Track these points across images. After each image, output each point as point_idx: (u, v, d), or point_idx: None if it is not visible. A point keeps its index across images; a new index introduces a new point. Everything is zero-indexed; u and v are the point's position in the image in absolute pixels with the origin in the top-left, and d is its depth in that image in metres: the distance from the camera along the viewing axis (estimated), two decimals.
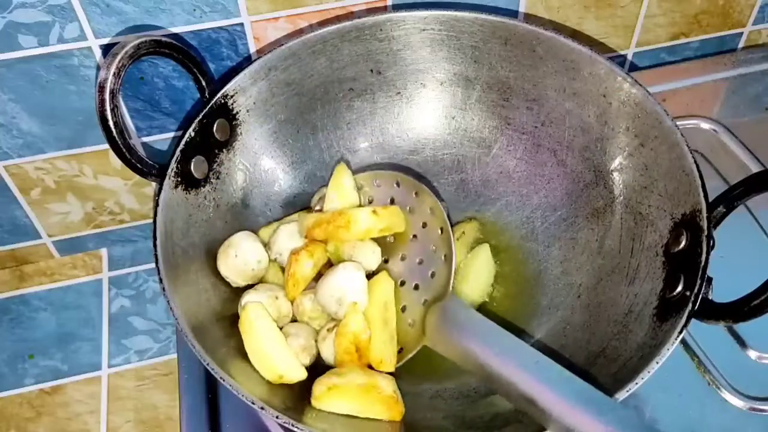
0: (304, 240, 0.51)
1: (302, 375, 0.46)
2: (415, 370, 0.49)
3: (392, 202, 0.53)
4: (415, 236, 0.51)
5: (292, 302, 0.49)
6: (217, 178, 0.52)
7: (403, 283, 0.50)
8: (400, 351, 0.48)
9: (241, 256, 0.50)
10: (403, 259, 0.51)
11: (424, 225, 0.51)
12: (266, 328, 0.46)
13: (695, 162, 0.46)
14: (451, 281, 0.48)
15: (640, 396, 0.50)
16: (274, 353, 0.45)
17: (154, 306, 0.63)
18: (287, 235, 0.51)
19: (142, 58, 0.49)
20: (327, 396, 0.44)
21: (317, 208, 0.54)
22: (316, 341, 0.48)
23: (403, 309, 0.49)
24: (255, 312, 0.46)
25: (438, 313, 0.47)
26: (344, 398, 0.44)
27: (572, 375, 0.40)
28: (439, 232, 0.50)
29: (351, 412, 0.44)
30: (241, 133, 0.54)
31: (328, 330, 0.48)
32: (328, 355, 0.48)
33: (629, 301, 0.47)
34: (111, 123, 0.46)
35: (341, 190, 0.52)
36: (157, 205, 0.47)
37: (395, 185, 0.53)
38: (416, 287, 0.50)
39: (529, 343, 0.50)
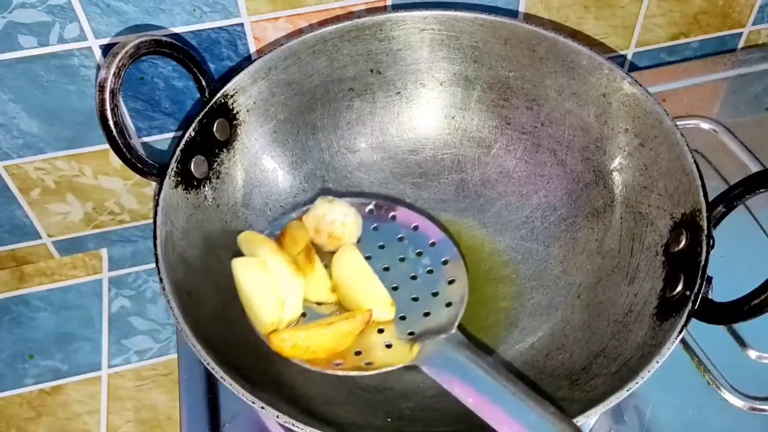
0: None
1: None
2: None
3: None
4: (414, 276, 0.50)
5: None
6: (217, 177, 0.52)
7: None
8: (369, 363, 0.46)
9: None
10: (395, 288, 0.50)
11: (430, 271, 0.50)
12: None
13: (695, 162, 0.47)
14: (455, 323, 0.46)
15: (640, 396, 0.50)
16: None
17: (154, 306, 0.63)
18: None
19: (142, 58, 0.49)
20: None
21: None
22: None
23: (380, 330, 0.48)
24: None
25: (430, 346, 0.45)
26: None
27: (544, 412, 0.39)
28: (447, 282, 0.50)
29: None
30: (241, 132, 0.54)
31: None
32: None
33: (629, 300, 0.47)
34: (111, 122, 0.46)
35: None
36: (157, 205, 0.47)
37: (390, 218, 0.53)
38: (403, 318, 0.48)
39: (529, 343, 0.51)
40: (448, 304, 0.48)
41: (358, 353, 0.46)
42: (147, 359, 0.60)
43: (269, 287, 0.47)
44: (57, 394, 0.59)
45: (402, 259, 0.52)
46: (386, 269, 0.51)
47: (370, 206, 0.54)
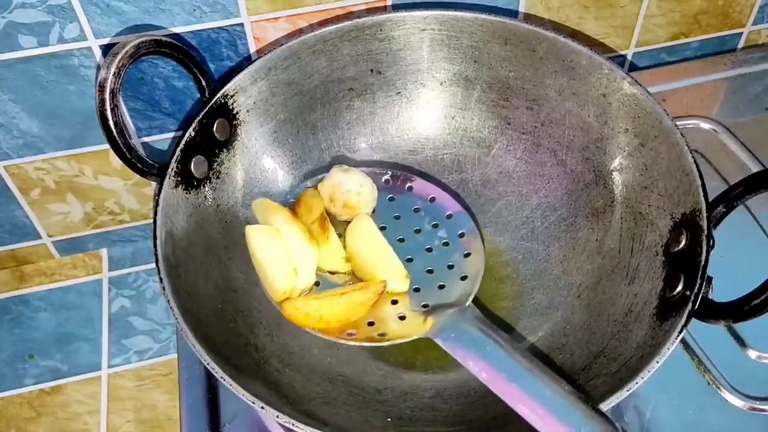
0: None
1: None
2: (416, 362, 0.50)
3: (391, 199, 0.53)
4: (429, 249, 0.50)
5: None
6: (217, 177, 0.52)
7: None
8: (382, 334, 0.46)
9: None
10: (410, 260, 0.50)
11: (446, 244, 0.50)
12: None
13: (695, 162, 0.47)
14: (470, 296, 0.46)
15: (640, 396, 0.50)
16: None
17: (154, 306, 0.63)
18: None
19: (142, 58, 0.49)
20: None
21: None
22: None
23: (394, 302, 0.48)
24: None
25: (444, 319, 0.45)
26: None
27: (559, 389, 0.39)
28: (463, 255, 0.50)
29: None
30: (241, 132, 0.54)
31: None
32: None
33: (629, 300, 0.47)
34: (111, 122, 0.46)
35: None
36: (157, 205, 0.47)
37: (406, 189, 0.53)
38: (417, 290, 0.49)
39: (530, 343, 0.51)
40: (464, 278, 0.48)
41: (371, 324, 0.46)
42: (147, 359, 0.60)
43: (283, 255, 0.47)
44: (57, 394, 0.59)
45: (417, 231, 0.51)
46: (401, 240, 0.51)
47: (387, 176, 0.54)
